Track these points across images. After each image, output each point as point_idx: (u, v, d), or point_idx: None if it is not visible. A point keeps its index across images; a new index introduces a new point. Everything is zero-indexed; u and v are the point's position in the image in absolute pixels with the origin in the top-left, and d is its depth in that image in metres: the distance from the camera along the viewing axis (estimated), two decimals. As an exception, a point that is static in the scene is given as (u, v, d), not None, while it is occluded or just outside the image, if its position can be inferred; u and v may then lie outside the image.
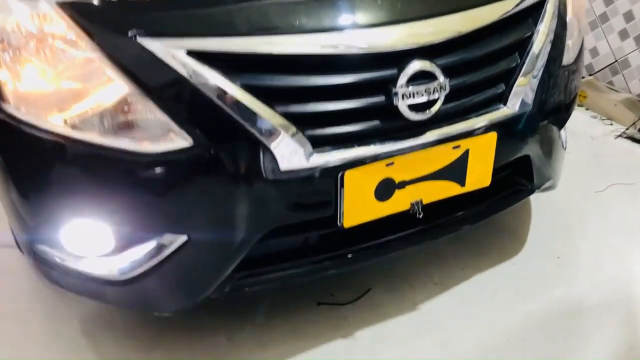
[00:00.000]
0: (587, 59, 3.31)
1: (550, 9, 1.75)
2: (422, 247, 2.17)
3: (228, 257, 1.55)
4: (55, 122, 1.40)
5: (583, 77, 3.23)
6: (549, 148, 1.93)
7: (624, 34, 3.14)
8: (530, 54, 1.71)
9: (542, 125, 1.83)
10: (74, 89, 1.40)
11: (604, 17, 3.20)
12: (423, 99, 1.53)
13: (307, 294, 2.01)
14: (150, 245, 1.52)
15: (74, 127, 1.41)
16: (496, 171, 1.80)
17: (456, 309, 1.98)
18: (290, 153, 1.46)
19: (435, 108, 1.57)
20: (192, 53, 1.37)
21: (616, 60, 3.21)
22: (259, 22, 1.43)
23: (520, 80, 1.71)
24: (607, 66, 3.26)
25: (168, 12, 1.40)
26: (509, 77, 1.71)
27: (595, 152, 2.93)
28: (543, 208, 2.47)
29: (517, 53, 1.71)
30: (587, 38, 3.29)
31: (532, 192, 2.02)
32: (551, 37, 1.75)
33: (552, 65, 1.79)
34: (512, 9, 1.67)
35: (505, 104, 1.71)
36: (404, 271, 2.12)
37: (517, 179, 1.99)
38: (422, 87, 1.52)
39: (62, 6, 1.37)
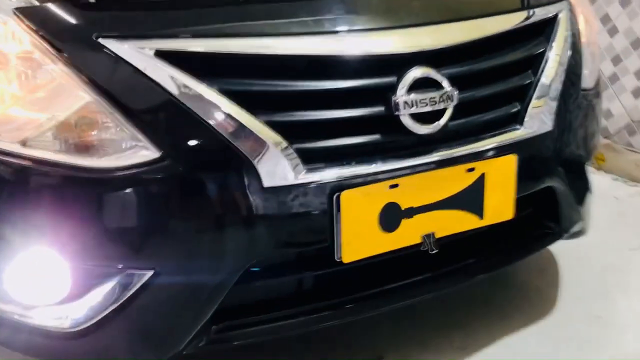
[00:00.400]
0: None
1: (562, 27, 1.62)
2: (440, 296, 1.88)
3: (203, 300, 1.29)
4: (2, 138, 1.22)
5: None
6: (574, 182, 1.71)
7: (637, 93, 3.01)
8: (544, 72, 1.56)
9: (565, 152, 1.63)
10: (25, 98, 1.23)
11: (613, 78, 3.08)
12: (427, 108, 1.35)
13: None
14: (110, 284, 1.27)
15: (24, 143, 1.23)
16: (518, 208, 1.57)
17: (483, 377, 1.68)
18: (275, 168, 1.25)
19: (442, 121, 1.38)
20: (161, 54, 1.21)
21: (632, 121, 3.06)
22: (241, 22, 1.29)
23: (536, 100, 1.54)
24: (623, 127, 3.10)
25: (135, 12, 1.26)
26: (523, 96, 1.55)
27: (621, 211, 2.70)
28: (572, 266, 2.20)
29: (530, 71, 1.56)
30: (599, 100, 3.15)
31: (560, 235, 1.77)
32: (566, 56, 1.61)
33: (570, 87, 1.63)
34: (520, 22, 1.56)
35: (521, 124, 1.52)
36: (420, 335, 1.83)
37: (542, 222, 1.76)
38: (425, 96, 1.34)
39: (19, 12, 1.24)
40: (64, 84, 1.21)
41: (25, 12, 1.23)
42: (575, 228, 1.81)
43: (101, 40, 1.20)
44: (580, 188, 1.77)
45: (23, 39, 1.23)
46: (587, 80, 1.73)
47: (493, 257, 1.64)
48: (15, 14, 1.23)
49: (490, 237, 1.65)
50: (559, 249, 2.22)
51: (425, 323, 1.88)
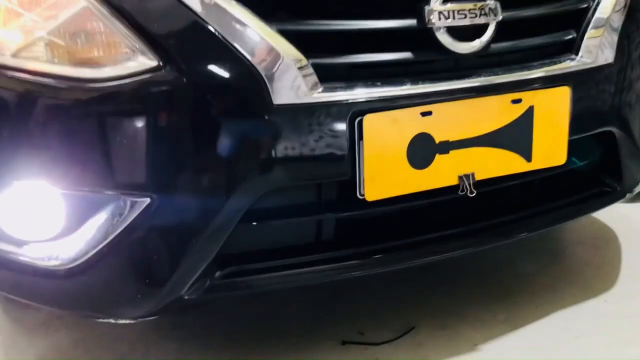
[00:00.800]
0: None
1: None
2: (478, 253, 1.69)
3: (206, 236, 1.13)
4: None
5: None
6: (638, 131, 1.49)
7: None
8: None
9: (628, 92, 1.42)
10: (16, 4, 1.11)
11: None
12: (465, 22, 1.17)
13: (325, 331, 1.54)
14: (105, 214, 1.13)
15: (15, 54, 1.10)
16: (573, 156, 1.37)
17: (531, 353, 1.46)
18: (287, 83, 1.09)
19: (484, 39, 1.20)
20: None
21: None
22: None
23: (595, 29, 1.34)
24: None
25: None
26: (579, 23, 1.35)
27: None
28: (633, 242, 1.96)
29: (587, -6, 1.36)
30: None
31: (623, 195, 1.55)
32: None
33: (634, 20, 1.42)
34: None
35: (577, 54, 1.32)
36: (459, 307, 1.63)
37: (601, 177, 1.54)
38: (463, 6, 1.16)
39: None
40: None
41: None
42: (639, 188, 1.58)
43: None
44: (646, 142, 1.54)
45: None
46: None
47: (541, 213, 1.43)
48: None
49: (538, 189, 1.45)
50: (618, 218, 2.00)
51: (463, 293, 1.68)
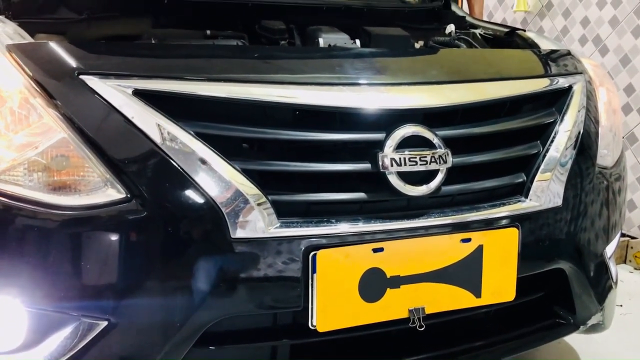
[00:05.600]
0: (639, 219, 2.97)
1: (575, 100, 1.53)
2: None
3: (161, 356, 1.18)
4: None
5: (635, 238, 2.88)
6: (590, 268, 1.55)
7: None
8: (554, 144, 1.46)
9: (578, 232, 1.49)
10: (2, 133, 1.21)
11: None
12: (416, 168, 1.26)
13: None
14: (64, 333, 1.18)
15: None
16: (523, 289, 1.43)
17: None
18: (245, 218, 1.17)
19: (434, 184, 1.29)
20: (139, 93, 1.18)
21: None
22: (222, 67, 1.27)
23: (544, 173, 1.43)
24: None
25: (119, 52, 1.25)
26: (529, 167, 1.44)
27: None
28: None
29: (538, 141, 1.46)
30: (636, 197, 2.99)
31: (577, 327, 1.59)
32: (579, 130, 1.51)
33: (583, 163, 1.51)
34: (528, 90, 1.49)
35: (526, 196, 1.41)
36: None
37: (554, 310, 1.59)
38: (415, 154, 1.26)
39: (11, 49, 1.25)
40: (42, 119, 1.19)
41: (16, 49, 1.24)
42: (594, 320, 1.62)
43: (82, 77, 1.19)
44: (599, 276, 1.60)
45: (11, 75, 1.23)
46: (606, 158, 1.61)
47: (491, 345, 1.47)
48: (8, 50, 1.24)
49: (494, 320, 1.50)
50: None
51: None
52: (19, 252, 1.17)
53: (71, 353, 1.18)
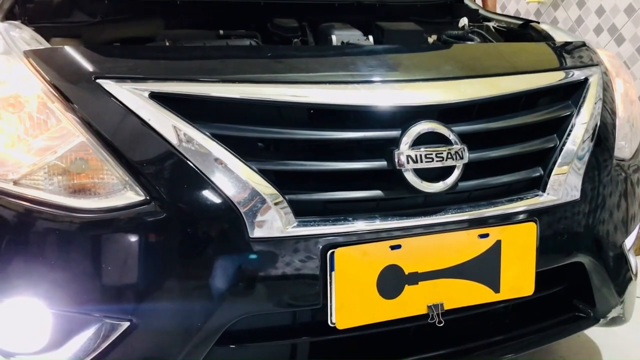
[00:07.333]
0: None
1: (592, 92, 1.52)
2: None
3: (183, 356, 1.19)
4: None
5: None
6: (609, 261, 1.54)
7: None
8: (570, 137, 1.45)
9: (596, 225, 1.48)
10: (21, 136, 1.23)
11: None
12: (433, 164, 1.26)
13: None
14: (87, 334, 1.20)
15: (16, 181, 1.21)
16: (543, 283, 1.43)
17: None
18: (263, 218, 1.18)
19: (451, 180, 1.28)
20: (155, 96, 1.19)
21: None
22: (239, 69, 1.27)
23: (561, 166, 1.42)
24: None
25: (135, 56, 1.26)
26: (546, 161, 1.43)
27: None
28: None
29: (554, 135, 1.45)
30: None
31: (597, 320, 1.58)
32: (595, 122, 1.50)
33: (601, 156, 1.50)
34: (544, 84, 1.48)
35: (544, 190, 1.40)
36: None
37: (575, 303, 1.58)
38: (431, 151, 1.26)
39: (28, 54, 1.26)
40: (60, 123, 1.21)
41: (33, 55, 1.26)
42: (614, 313, 1.62)
43: (99, 81, 1.20)
44: (618, 269, 1.59)
45: (29, 80, 1.24)
46: (624, 150, 1.60)
47: (512, 339, 1.47)
48: (25, 56, 1.26)
49: (513, 315, 1.49)
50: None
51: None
52: (42, 255, 1.19)
53: (94, 354, 1.20)
